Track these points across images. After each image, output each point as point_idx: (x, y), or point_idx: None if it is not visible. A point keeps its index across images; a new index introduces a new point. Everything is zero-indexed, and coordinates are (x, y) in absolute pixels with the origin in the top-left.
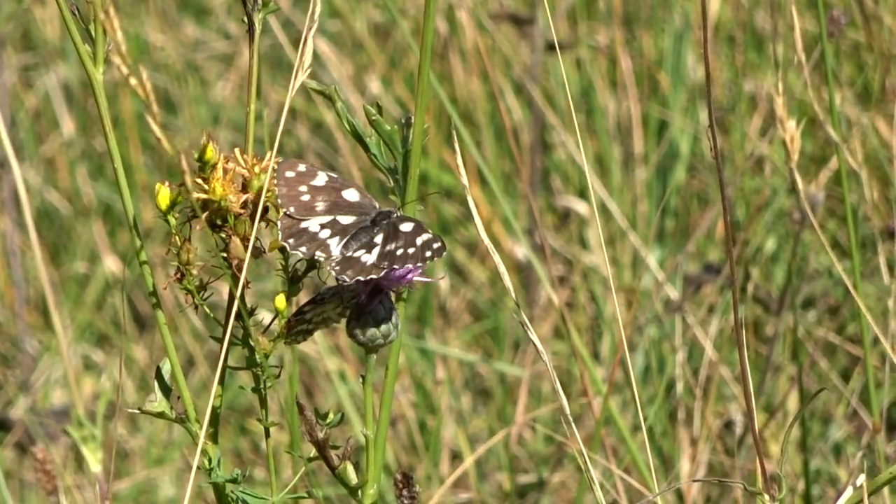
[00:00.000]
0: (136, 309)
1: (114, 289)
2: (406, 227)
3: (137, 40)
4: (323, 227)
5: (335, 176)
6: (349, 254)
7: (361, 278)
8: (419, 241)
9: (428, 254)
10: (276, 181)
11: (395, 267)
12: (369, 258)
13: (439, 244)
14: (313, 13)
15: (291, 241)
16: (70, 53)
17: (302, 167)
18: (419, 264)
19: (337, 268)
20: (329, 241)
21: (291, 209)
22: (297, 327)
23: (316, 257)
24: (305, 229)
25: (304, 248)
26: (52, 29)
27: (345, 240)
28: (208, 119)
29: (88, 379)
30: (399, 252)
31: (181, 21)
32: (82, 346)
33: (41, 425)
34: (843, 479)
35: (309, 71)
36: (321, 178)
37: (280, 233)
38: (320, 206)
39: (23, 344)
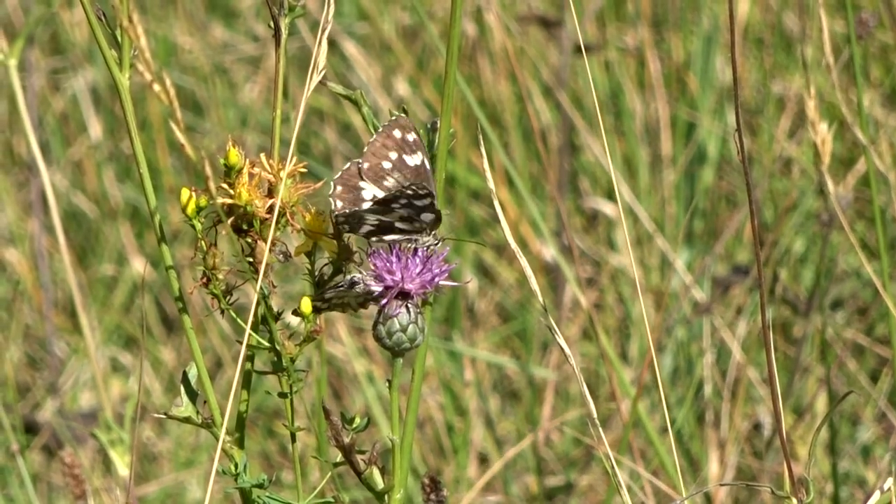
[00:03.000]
0: (163, 310)
1: (141, 291)
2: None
3: (165, 43)
4: (374, 201)
5: (427, 166)
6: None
7: (346, 210)
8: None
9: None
10: (380, 128)
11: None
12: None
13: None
14: (328, 15)
15: (339, 189)
16: (97, 56)
17: (411, 137)
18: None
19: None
20: (366, 216)
21: (365, 165)
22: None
23: (339, 217)
24: (360, 189)
25: (339, 203)
26: (79, 32)
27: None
28: (236, 122)
29: (116, 381)
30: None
31: (209, 23)
32: (110, 349)
33: (69, 428)
34: (871, 481)
35: (324, 73)
36: (415, 159)
37: (339, 172)
38: (390, 183)
39: (50, 346)
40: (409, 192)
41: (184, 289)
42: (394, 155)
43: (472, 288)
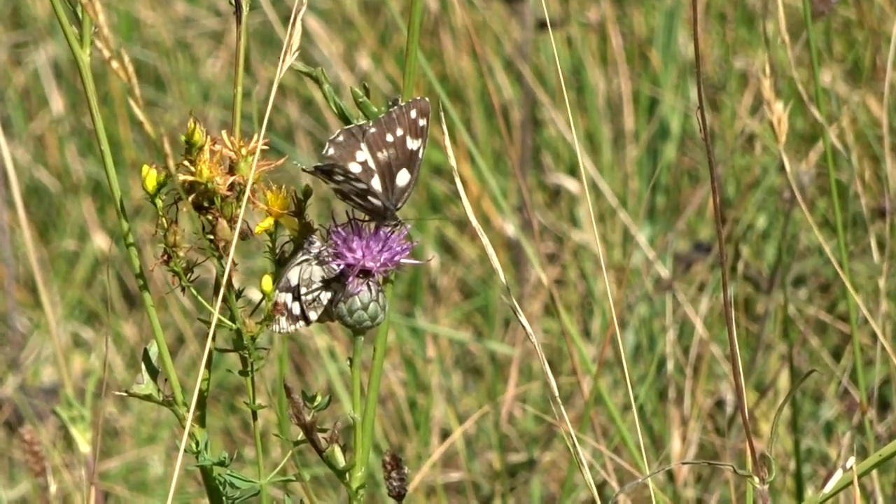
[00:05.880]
0: (125, 286)
1: (103, 266)
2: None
3: (128, 17)
4: (363, 167)
5: (420, 155)
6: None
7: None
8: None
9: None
10: (399, 105)
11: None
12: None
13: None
14: None
15: (341, 137)
16: (59, 31)
17: (422, 122)
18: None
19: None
20: (320, 176)
21: (372, 130)
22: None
23: (332, 172)
24: (357, 150)
25: (332, 150)
26: (41, 6)
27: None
28: (198, 96)
29: (78, 356)
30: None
31: None
32: (72, 324)
33: (30, 404)
34: (834, 458)
35: (298, 52)
36: (414, 145)
37: (341, 131)
38: (382, 156)
39: (12, 321)
40: (341, 170)
41: (145, 265)
42: (399, 132)
43: (434, 264)
